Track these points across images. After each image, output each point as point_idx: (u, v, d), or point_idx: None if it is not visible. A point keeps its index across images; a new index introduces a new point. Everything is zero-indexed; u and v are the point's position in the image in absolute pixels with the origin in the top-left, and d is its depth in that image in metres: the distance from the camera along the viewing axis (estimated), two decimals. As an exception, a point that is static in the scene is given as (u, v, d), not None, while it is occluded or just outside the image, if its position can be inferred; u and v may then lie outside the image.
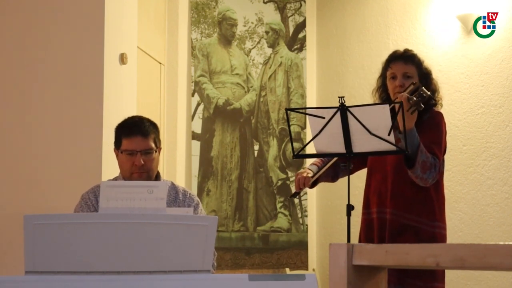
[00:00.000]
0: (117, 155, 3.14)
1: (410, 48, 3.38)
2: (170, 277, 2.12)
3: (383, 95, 3.36)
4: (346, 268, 1.86)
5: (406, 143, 2.98)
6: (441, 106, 3.35)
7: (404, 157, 3.08)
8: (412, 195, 3.16)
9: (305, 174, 3.24)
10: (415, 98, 3.02)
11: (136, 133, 3.07)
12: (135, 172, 3.06)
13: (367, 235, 3.28)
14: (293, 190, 5.53)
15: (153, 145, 3.09)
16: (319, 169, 3.30)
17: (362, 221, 3.34)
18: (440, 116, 3.25)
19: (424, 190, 3.17)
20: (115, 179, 3.19)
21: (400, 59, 3.27)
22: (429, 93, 3.10)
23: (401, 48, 3.42)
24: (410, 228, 3.14)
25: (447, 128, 3.32)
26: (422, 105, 3.03)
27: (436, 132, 3.20)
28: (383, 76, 3.35)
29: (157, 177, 3.16)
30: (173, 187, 3.20)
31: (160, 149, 3.17)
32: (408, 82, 3.21)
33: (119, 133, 3.13)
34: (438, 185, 3.22)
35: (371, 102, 3.38)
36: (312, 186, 3.36)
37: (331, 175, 3.40)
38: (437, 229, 3.18)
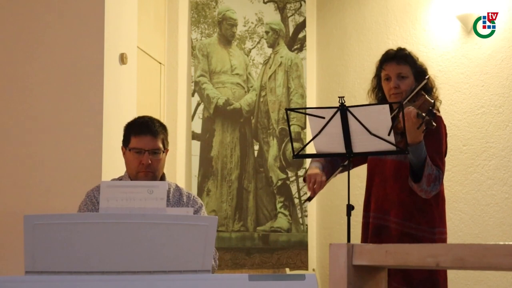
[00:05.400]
0: (124, 153, 3.15)
1: (403, 47, 3.30)
2: (170, 277, 2.13)
3: (380, 94, 3.31)
4: (346, 268, 1.86)
5: (407, 144, 2.97)
6: (440, 103, 3.32)
7: (411, 171, 3.04)
8: (411, 203, 3.12)
9: (319, 178, 3.12)
10: (427, 117, 2.91)
11: (146, 132, 3.08)
12: (142, 171, 3.07)
13: (365, 239, 3.26)
14: (294, 190, 5.59)
15: (161, 145, 3.10)
16: (324, 167, 3.22)
17: (362, 224, 3.32)
18: (440, 120, 3.17)
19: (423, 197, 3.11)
20: (120, 178, 3.19)
21: (393, 60, 3.21)
22: (432, 101, 3.04)
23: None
24: (409, 236, 3.09)
25: (448, 129, 3.31)
26: (434, 123, 2.93)
27: (437, 140, 3.13)
28: (377, 77, 3.30)
29: (162, 178, 3.17)
30: (177, 189, 3.21)
31: (167, 150, 3.17)
32: (403, 82, 3.17)
33: (128, 131, 3.14)
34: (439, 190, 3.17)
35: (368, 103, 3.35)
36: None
37: (331, 172, 3.36)
38: (437, 235, 3.12)
